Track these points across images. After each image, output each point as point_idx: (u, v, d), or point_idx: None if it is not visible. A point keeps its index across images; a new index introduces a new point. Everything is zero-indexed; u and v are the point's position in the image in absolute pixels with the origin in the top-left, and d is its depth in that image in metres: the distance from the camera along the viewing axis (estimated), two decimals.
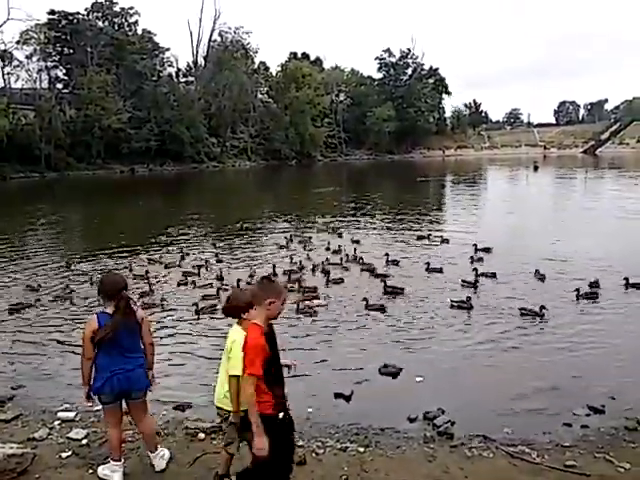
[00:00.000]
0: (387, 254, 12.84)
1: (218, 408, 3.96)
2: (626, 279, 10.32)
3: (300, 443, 4.91)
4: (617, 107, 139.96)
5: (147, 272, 11.79)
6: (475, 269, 11.08)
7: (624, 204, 22.78)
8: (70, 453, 4.65)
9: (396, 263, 12.53)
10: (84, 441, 4.88)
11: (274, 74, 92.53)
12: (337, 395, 6.07)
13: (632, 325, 8.18)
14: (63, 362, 7.22)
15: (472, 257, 12.77)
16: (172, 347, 7.69)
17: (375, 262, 12.43)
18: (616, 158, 72.49)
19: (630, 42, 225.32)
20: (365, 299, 9.39)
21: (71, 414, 5.56)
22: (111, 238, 17.01)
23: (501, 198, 29.79)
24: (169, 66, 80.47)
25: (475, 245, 13.60)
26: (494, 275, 11.01)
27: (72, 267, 12.85)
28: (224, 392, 3.82)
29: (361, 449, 4.82)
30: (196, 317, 8.99)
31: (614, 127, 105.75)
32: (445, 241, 15.16)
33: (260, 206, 27.69)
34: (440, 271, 11.60)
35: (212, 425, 5.19)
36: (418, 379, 6.45)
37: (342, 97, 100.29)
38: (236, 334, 3.75)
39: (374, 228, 18.87)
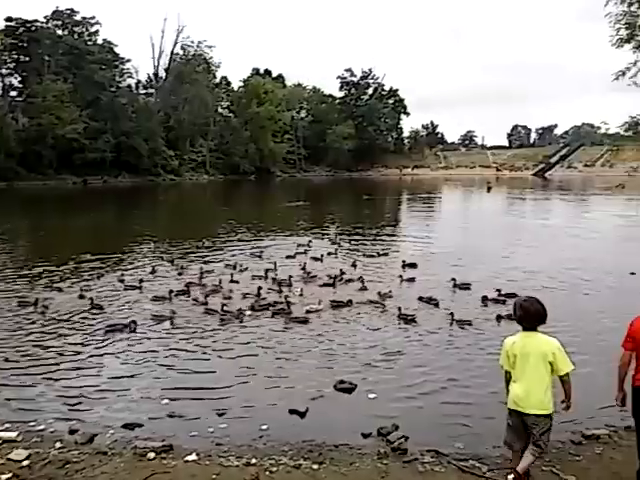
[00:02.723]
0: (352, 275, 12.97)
1: (538, 416, 4.11)
2: (454, 279, 11.32)
3: (253, 461, 4.85)
4: (566, 132, 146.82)
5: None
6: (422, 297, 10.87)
7: (575, 224, 23.79)
8: (10, 475, 4.44)
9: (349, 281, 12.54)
10: (25, 462, 4.66)
11: (236, 89, 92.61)
12: (292, 411, 6.02)
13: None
14: (2, 379, 6.88)
15: (401, 276, 12.57)
16: (121, 361, 7.48)
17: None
18: (564, 180, 75.69)
19: (576, 72, 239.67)
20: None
21: (13, 434, 5.32)
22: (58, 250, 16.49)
23: (452, 216, 30.58)
24: (129, 77, 79.45)
25: (403, 261, 14.22)
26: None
27: None
28: (547, 399, 4.09)
29: (315, 466, 4.79)
30: (135, 329, 8.80)
31: (563, 151, 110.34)
32: (384, 255, 15.85)
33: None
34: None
35: (163, 445, 5.05)
36: (371, 395, 6.47)
37: (303, 114, 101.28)
38: (551, 339, 4.13)
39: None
